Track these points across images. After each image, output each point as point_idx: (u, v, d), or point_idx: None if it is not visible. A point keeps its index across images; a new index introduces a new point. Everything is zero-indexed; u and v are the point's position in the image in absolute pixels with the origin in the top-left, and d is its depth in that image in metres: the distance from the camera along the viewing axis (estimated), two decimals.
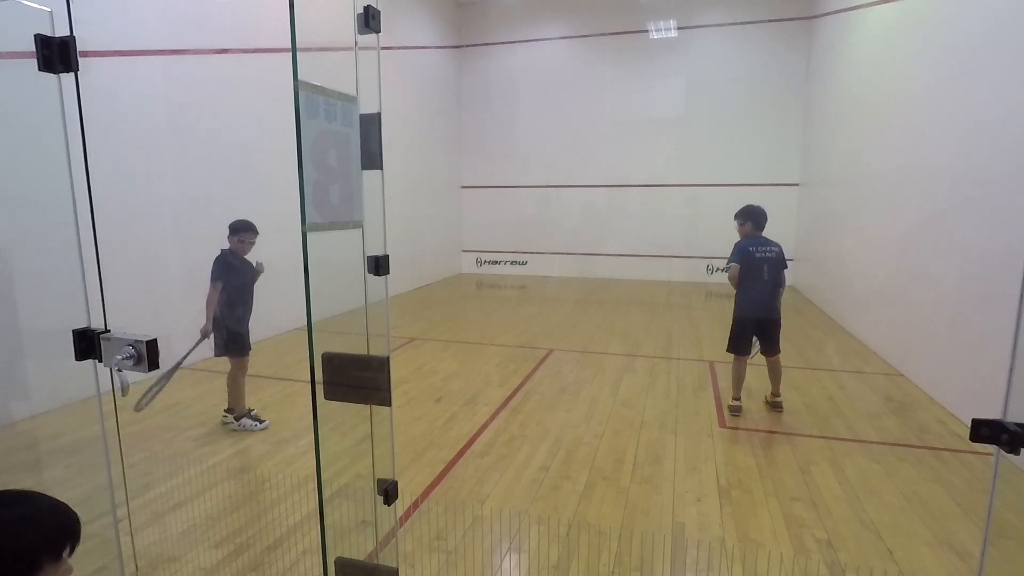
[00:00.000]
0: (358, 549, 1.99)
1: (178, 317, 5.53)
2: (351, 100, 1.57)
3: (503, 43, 11.98)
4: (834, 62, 8.64)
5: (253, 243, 4.15)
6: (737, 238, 4.56)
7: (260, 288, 6.46)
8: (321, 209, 1.53)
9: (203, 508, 3.06)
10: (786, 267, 4.42)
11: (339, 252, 1.73)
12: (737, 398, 4.45)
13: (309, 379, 1.56)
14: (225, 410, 4.14)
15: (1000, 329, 3.77)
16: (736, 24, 10.65)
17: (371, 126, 1.61)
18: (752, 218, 4.46)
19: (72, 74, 1.77)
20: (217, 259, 4.04)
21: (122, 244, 4.87)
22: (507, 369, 5.60)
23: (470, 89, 12.29)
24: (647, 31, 11.11)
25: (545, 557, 2.63)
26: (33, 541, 1.03)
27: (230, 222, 4.12)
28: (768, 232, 4.53)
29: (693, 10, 10.81)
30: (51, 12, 1.74)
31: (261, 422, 4.10)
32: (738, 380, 4.46)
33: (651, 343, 6.66)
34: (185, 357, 3.92)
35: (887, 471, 3.50)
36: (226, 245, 4.09)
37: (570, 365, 5.77)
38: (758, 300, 4.34)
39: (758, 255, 4.35)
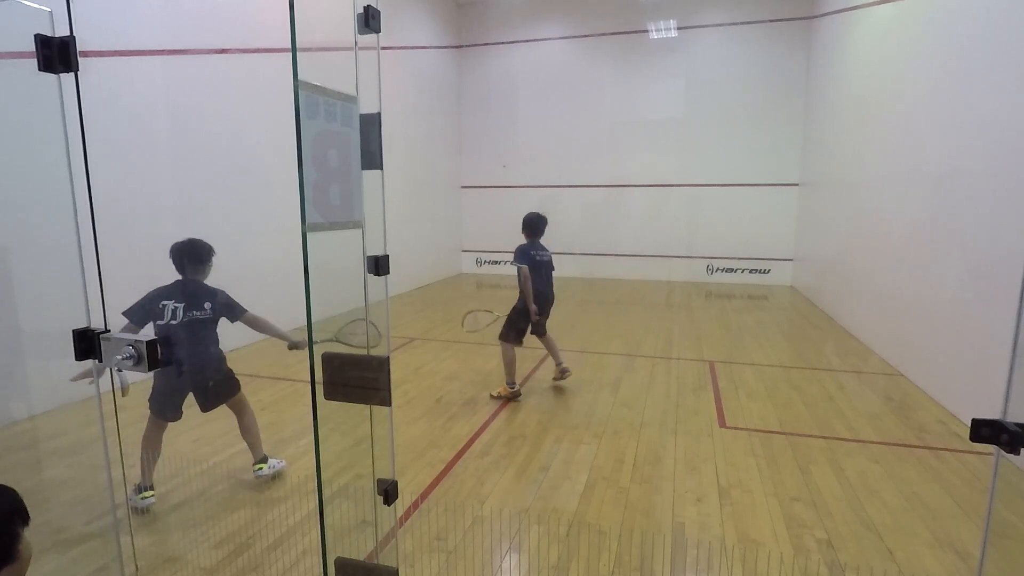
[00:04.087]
0: (358, 549, 1.99)
1: None
2: (351, 100, 1.57)
3: (503, 43, 11.98)
4: (834, 62, 8.64)
5: None
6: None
7: (262, 288, 6.47)
8: (321, 209, 1.53)
9: (203, 508, 3.06)
10: (554, 268, 5.04)
11: (339, 252, 1.73)
12: (513, 383, 4.81)
13: (309, 379, 1.56)
14: (257, 463, 3.34)
15: (1000, 329, 3.77)
16: (736, 24, 10.65)
17: (371, 126, 1.61)
18: (526, 226, 4.98)
19: (72, 74, 1.77)
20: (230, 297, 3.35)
21: (122, 244, 4.87)
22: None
23: (470, 89, 12.29)
24: (647, 31, 11.11)
25: (545, 557, 2.63)
26: (8, 509, 1.14)
27: (197, 246, 3.32)
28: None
29: (693, 10, 10.81)
30: (51, 12, 1.74)
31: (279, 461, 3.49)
32: (512, 363, 4.81)
33: (651, 343, 6.66)
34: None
35: (887, 471, 3.50)
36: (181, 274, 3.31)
37: (570, 365, 5.76)
38: (543, 294, 4.89)
39: (538, 258, 4.87)
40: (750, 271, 11.11)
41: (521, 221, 5.00)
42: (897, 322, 5.68)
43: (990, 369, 3.88)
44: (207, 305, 3.21)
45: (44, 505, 3.11)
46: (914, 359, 5.28)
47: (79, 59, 1.76)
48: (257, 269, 6.40)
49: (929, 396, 4.81)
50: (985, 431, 1.31)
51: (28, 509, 1.18)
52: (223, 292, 3.32)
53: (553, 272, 5.05)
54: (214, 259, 3.36)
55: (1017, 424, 1.28)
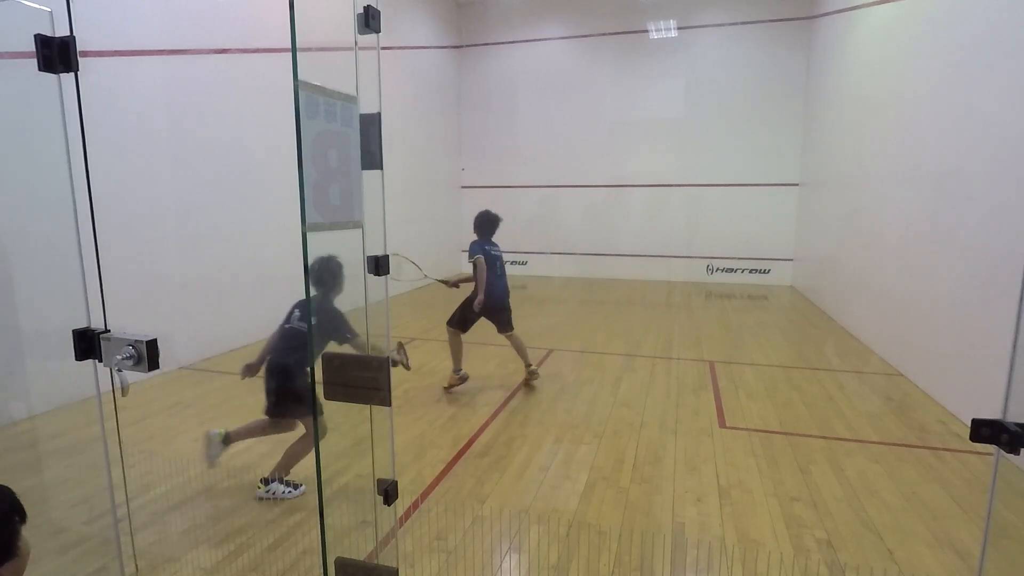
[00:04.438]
0: (358, 549, 1.99)
1: (178, 317, 5.54)
2: (351, 100, 1.57)
3: (503, 43, 11.97)
4: (834, 62, 8.64)
5: None
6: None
7: (262, 288, 6.48)
8: (321, 209, 1.53)
9: (203, 508, 3.06)
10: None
11: (339, 252, 1.73)
12: (459, 369, 4.91)
13: (309, 379, 1.56)
14: (262, 479, 3.25)
15: (1000, 329, 3.77)
16: (736, 24, 10.65)
17: (371, 126, 1.61)
18: (477, 226, 5.03)
19: (72, 74, 1.77)
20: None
21: (122, 244, 4.87)
22: (507, 369, 5.59)
23: (470, 89, 12.28)
24: (647, 31, 11.11)
25: (545, 557, 2.63)
26: (7, 507, 1.16)
27: (318, 264, 3.07)
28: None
29: (693, 10, 10.81)
30: (51, 12, 1.74)
31: (297, 487, 3.25)
32: (459, 352, 4.94)
33: (651, 343, 6.66)
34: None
35: (887, 471, 3.50)
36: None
37: (570, 365, 5.77)
38: (496, 290, 4.93)
39: (492, 252, 4.97)
40: (750, 271, 11.11)
41: (473, 220, 5.05)
42: (897, 322, 5.68)
43: (990, 369, 3.88)
44: (313, 319, 3.11)
45: (44, 505, 3.11)
46: (914, 359, 5.28)
47: (79, 59, 1.76)
48: (257, 269, 6.40)
49: (929, 396, 4.81)
50: (985, 431, 1.31)
51: (28, 508, 1.19)
52: (336, 315, 3.14)
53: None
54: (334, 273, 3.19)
55: (1017, 424, 1.28)
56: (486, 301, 4.82)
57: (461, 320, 4.94)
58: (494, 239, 5.07)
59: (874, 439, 3.98)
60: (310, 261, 1.49)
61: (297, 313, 3.31)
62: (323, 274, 3.10)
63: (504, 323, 5.05)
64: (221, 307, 6.04)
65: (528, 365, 5.09)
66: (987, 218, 4.14)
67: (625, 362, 5.88)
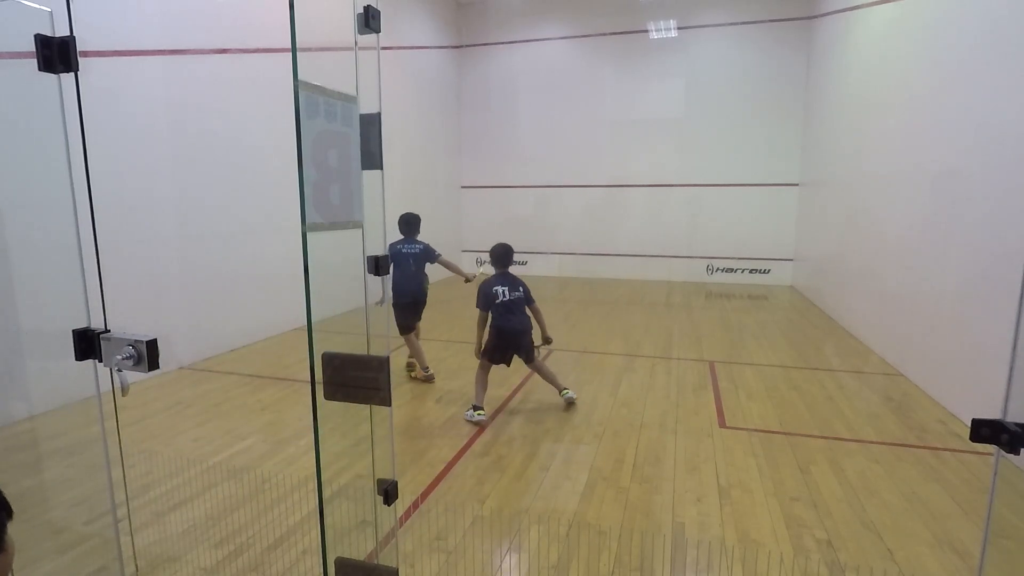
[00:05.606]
0: (358, 549, 1.99)
1: (178, 317, 5.55)
2: (351, 100, 1.57)
3: (503, 43, 11.97)
4: (834, 62, 8.64)
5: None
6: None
7: (262, 288, 6.48)
8: (321, 209, 1.53)
9: (203, 508, 3.06)
10: (432, 260, 5.28)
11: (339, 252, 1.73)
12: (427, 368, 5.26)
13: (309, 379, 1.56)
14: (562, 390, 4.63)
15: (1000, 329, 3.77)
16: (736, 24, 10.65)
17: (371, 126, 1.61)
18: (400, 224, 5.30)
19: (72, 74, 1.77)
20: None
21: (122, 244, 4.87)
22: (506, 369, 5.58)
23: (470, 89, 12.28)
24: (647, 31, 11.11)
25: (545, 557, 2.63)
26: None
27: (503, 250, 4.61)
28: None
29: (693, 10, 10.81)
30: (51, 12, 1.74)
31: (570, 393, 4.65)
32: (419, 352, 5.25)
33: (651, 343, 6.66)
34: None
35: (887, 471, 3.50)
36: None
37: (570, 365, 5.77)
38: (404, 286, 5.14)
39: (404, 250, 5.17)
40: (750, 271, 11.11)
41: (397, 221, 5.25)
42: (897, 322, 5.68)
43: (990, 369, 3.88)
44: (520, 288, 4.54)
45: (44, 505, 3.11)
46: (914, 359, 5.28)
47: (79, 59, 1.76)
48: (257, 269, 6.40)
49: (929, 396, 4.81)
50: (985, 431, 1.31)
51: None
52: (525, 283, 4.59)
53: (427, 264, 5.28)
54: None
55: (1017, 424, 1.28)
56: (395, 297, 5.09)
57: (400, 326, 5.20)
58: (419, 237, 5.34)
59: (874, 439, 3.98)
60: (309, 263, 1.49)
61: (503, 289, 4.43)
62: (511, 257, 4.59)
63: (408, 322, 5.21)
64: (221, 307, 6.04)
65: (425, 369, 5.22)
66: (987, 218, 4.14)
67: (625, 362, 5.88)
